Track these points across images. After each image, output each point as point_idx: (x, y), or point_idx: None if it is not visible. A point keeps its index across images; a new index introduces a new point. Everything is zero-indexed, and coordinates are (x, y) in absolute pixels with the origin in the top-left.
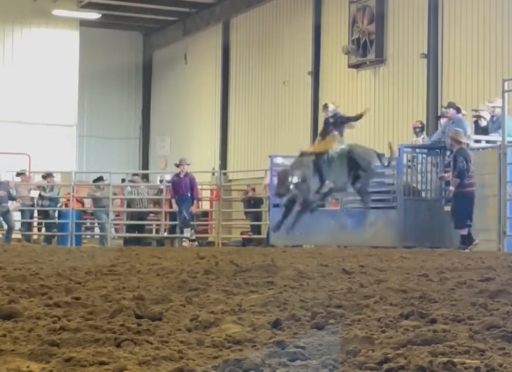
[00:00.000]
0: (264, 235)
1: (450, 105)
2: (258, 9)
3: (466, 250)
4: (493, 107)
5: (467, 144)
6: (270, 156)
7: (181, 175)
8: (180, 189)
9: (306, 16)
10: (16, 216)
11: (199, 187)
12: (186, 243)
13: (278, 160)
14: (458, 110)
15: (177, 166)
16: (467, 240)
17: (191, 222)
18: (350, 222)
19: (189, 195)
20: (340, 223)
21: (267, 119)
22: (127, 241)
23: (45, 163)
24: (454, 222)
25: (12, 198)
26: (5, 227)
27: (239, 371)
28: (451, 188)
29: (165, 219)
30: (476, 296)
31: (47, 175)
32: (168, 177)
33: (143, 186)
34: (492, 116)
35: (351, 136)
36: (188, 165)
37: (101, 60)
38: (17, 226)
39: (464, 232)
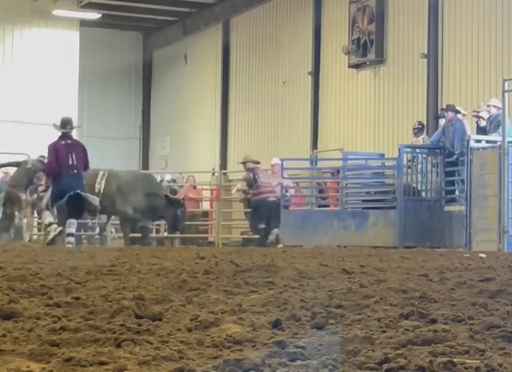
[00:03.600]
0: None
1: (449, 108)
2: (258, 9)
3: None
4: (488, 106)
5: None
6: (281, 159)
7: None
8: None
9: (306, 16)
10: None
11: (199, 187)
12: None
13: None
14: (457, 112)
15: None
16: (262, 241)
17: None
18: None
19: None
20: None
21: (267, 119)
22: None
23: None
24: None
25: None
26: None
27: (239, 371)
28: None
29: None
30: (476, 296)
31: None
32: (168, 177)
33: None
34: (489, 116)
35: (352, 137)
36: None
37: (101, 60)
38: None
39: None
